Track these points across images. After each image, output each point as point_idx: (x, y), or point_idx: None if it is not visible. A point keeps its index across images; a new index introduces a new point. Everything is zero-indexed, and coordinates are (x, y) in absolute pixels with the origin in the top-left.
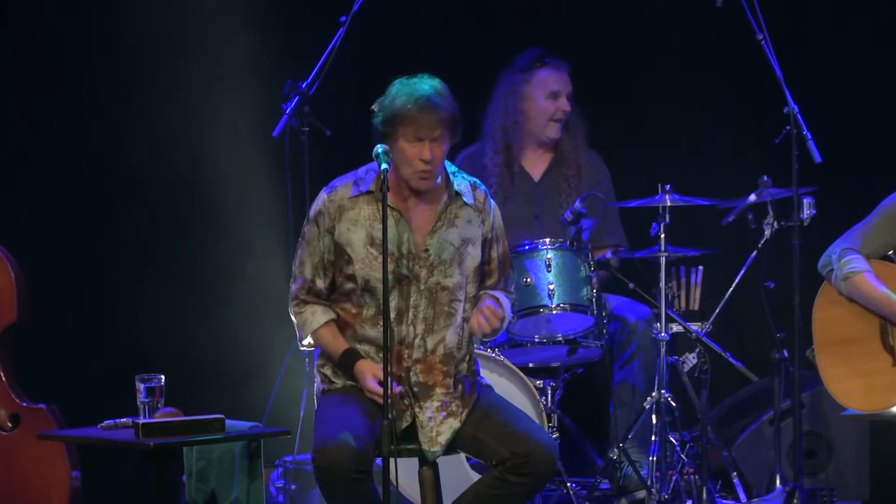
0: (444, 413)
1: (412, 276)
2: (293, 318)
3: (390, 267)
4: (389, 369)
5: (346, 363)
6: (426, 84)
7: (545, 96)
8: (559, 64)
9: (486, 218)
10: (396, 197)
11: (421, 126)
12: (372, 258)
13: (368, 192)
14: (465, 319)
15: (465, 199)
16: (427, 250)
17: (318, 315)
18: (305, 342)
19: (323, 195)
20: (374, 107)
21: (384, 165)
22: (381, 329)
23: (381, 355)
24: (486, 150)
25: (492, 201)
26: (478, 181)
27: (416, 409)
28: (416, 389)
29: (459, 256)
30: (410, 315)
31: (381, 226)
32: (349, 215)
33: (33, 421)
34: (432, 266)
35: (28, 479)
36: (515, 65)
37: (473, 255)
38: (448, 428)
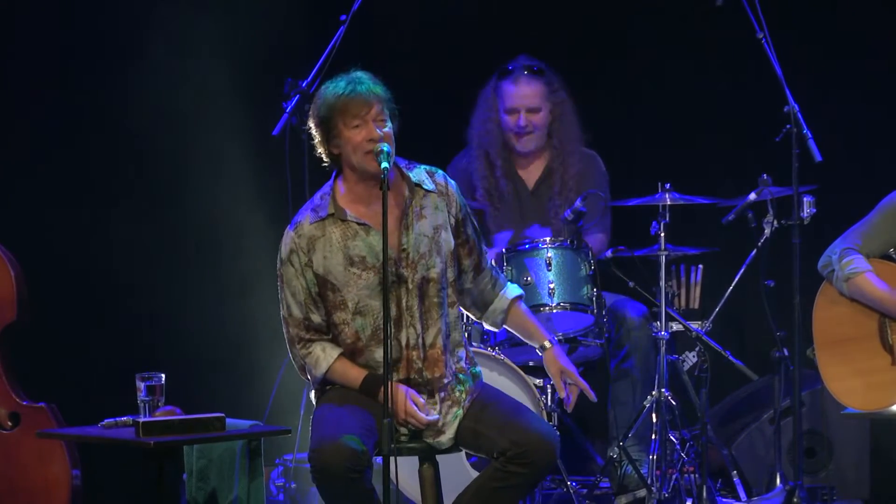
0: (450, 402)
1: (399, 279)
2: (301, 360)
3: (376, 279)
4: (391, 374)
5: (368, 389)
6: (353, 75)
7: (504, 110)
8: (522, 76)
9: (452, 200)
10: (359, 206)
11: (358, 107)
12: (356, 277)
13: (330, 215)
14: (451, 304)
15: (425, 187)
16: (405, 249)
17: (329, 350)
18: (319, 377)
19: (290, 232)
20: (309, 123)
21: (384, 165)
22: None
23: (393, 368)
24: (470, 157)
25: (452, 182)
26: (434, 168)
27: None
28: (430, 387)
29: (437, 245)
30: (408, 317)
31: (354, 243)
32: (321, 244)
33: (33, 420)
34: (414, 263)
35: (28, 478)
36: (497, 72)
37: (447, 240)
38: (453, 417)
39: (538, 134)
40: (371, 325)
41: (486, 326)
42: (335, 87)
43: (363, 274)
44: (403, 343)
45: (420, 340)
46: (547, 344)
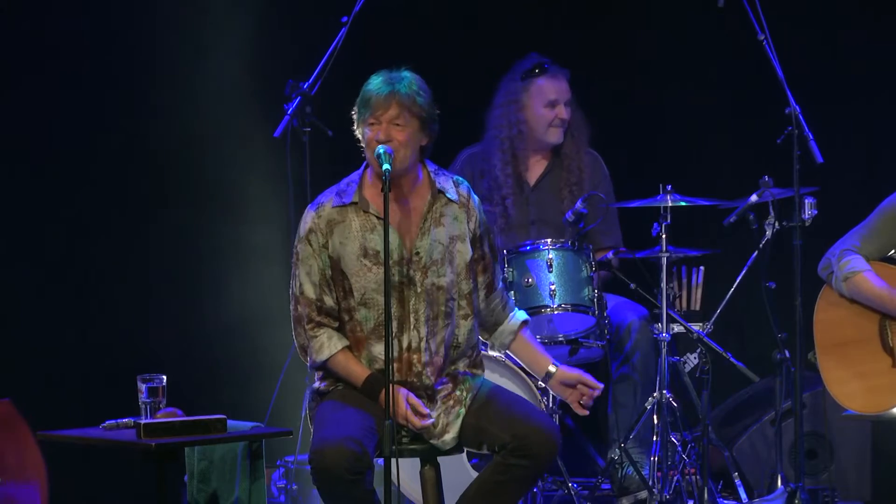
0: (452, 402)
1: (407, 280)
2: (307, 341)
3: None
4: (393, 375)
5: (370, 389)
6: (395, 73)
7: (543, 105)
8: (557, 72)
9: (473, 214)
10: (381, 200)
11: (376, 106)
12: (366, 269)
13: (353, 203)
14: (464, 317)
15: (448, 195)
16: (418, 253)
17: (335, 340)
18: (319, 363)
19: (311, 212)
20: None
21: (385, 166)
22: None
23: (391, 365)
24: (494, 159)
25: (475, 197)
26: (460, 178)
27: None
28: (430, 392)
29: (450, 255)
30: (412, 320)
31: (372, 236)
32: (340, 228)
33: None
34: (426, 268)
35: (6, 474)
36: (515, 71)
37: (462, 252)
38: (455, 416)
39: (566, 128)
40: (374, 320)
41: (495, 347)
42: (372, 81)
43: (373, 268)
44: (404, 345)
45: (423, 345)
46: (552, 368)
